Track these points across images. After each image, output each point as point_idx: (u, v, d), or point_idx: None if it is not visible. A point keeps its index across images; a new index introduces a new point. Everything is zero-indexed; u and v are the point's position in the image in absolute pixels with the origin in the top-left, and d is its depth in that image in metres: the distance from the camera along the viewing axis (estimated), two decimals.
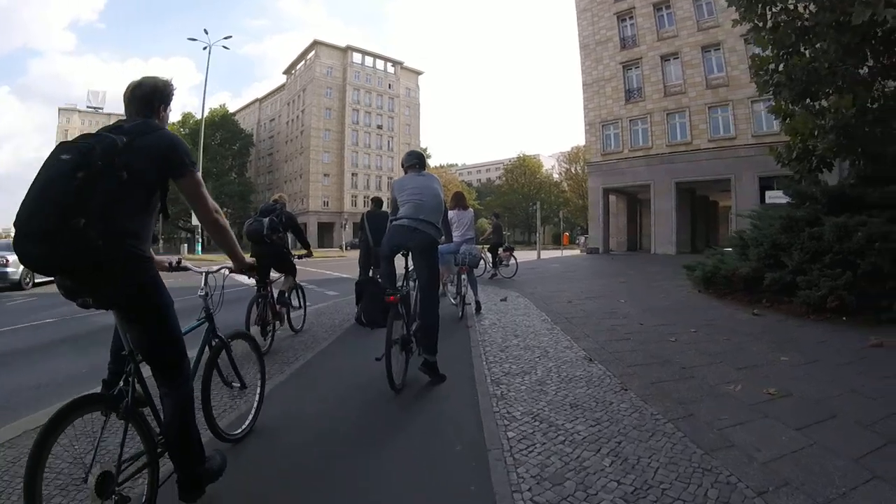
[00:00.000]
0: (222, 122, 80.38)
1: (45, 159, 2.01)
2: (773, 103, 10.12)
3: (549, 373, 4.81)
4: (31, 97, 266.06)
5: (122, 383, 2.23)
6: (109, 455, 2.35)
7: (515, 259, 16.29)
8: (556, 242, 57.45)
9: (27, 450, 1.88)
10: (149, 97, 2.51)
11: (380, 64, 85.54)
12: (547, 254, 33.67)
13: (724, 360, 5.16)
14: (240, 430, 3.39)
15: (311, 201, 75.95)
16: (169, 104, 2.62)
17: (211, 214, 2.48)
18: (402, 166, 5.19)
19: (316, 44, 79.39)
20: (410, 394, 4.40)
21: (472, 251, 8.51)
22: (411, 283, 4.92)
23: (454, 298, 8.86)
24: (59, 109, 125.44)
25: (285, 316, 6.79)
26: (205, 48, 39.56)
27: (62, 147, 2.05)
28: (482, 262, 14.61)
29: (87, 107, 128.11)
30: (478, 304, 8.69)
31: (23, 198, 1.93)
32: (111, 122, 2.43)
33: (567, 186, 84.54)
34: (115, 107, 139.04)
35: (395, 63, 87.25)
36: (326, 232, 75.26)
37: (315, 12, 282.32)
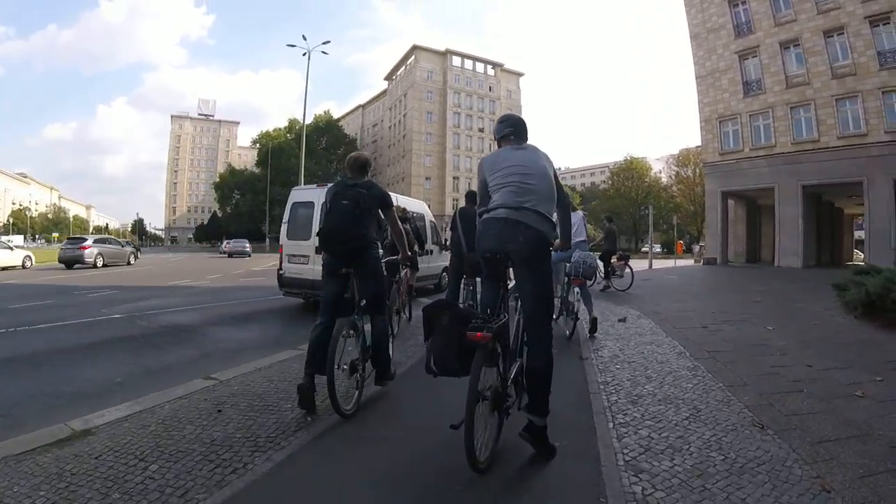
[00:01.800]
0: (327, 128, 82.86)
1: (331, 201, 4.24)
2: None
3: (708, 449, 3.34)
4: (146, 107, 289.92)
5: (354, 316, 4.12)
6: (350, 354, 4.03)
7: (631, 269, 14.54)
8: (668, 251, 54.15)
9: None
10: (364, 165, 4.50)
11: (479, 67, 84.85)
12: (659, 263, 31.28)
13: None
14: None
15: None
16: (371, 166, 4.68)
17: (398, 227, 4.71)
18: (495, 138, 3.77)
19: (415, 48, 79.87)
20: (499, 479, 2.92)
21: (586, 259, 6.99)
22: (512, 305, 3.44)
23: (559, 316, 7.31)
24: (172, 117, 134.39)
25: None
26: (304, 54, 40.34)
27: (342, 193, 4.22)
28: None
29: (199, 114, 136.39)
30: (594, 321, 7.20)
31: (325, 220, 4.25)
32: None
33: (677, 191, 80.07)
34: (225, 114, 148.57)
35: (494, 65, 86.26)
36: None
37: (414, 22, 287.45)
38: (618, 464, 3.09)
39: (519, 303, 3.39)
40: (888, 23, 23.90)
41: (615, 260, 14.03)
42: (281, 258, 10.34)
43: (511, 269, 3.29)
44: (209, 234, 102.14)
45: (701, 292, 14.10)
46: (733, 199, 32.23)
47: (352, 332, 4.02)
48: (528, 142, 3.61)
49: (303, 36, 42.59)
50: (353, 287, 4.21)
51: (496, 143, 3.73)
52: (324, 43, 40.83)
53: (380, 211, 4.36)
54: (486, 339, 2.80)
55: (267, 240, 67.67)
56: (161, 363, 5.96)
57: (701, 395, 4.48)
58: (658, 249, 61.52)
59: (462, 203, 7.92)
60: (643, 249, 54.09)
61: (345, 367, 3.89)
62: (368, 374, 4.31)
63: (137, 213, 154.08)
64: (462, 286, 7.67)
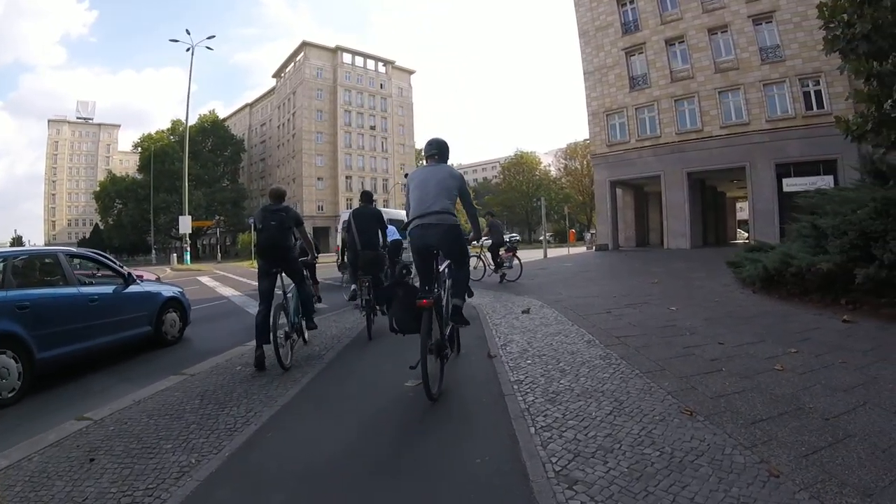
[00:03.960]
0: (213, 129, 78.46)
1: (261, 221, 5.81)
2: (846, 63, 8.36)
3: (640, 445, 3.06)
4: (23, 114, 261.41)
5: (283, 301, 5.96)
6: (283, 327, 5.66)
7: (519, 260, 14.57)
8: (561, 240, 55.51)
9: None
10: (282, 195, 6.18)
11: (370, 64, 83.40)
12: (554, 252, 31.81)
13: (869, 398, 3.68)
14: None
15: (306, 206, 73.77)
16: (286, 195, 6.61)
17: (307, 238, 6.80)
18: (424, 156, 5.06)
19: (305, 45, 77.40)
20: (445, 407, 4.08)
21: None
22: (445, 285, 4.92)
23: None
24: (49, 121, 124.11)
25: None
26: (188, 49, 38.43)
27: (270, 216, 5.81)
28: (482, 265, 14.74)
29: (77, 117, 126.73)
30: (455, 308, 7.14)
31: (259, 236, 5.86)
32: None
33: (566, 182, 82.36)
34: (106, 117, 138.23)
35: (385, 62, 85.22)
36: (322, 236, 73.03)
37: (303, 19, 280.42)
38: (548, 476, 2.74)
39: (447, 282, 4.90)
40: (770, 21, 25.97)
41: (503, 252, 13.99)
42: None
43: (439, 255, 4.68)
44: (91, 248, 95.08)
45: (599, 277, 14.24)
46: (621, 187, 33.68)
47: (282, 311, 5.75)
48: (446, 158, 4.93)
49: (186, 30, 40.66)
50: (282, 282, 6.09)
51: (425, 159, 4.95)
52: (208, 38, 38.53)
53: (294, 227, 6.08)
54: (430, 304, 4.14)
55: (153, 252, 62.37)
56: (33, 402, 5.08)
57: (620, 385, 4.24)
58: (552, 239, 62.94)
59: (356, 203, 8.18)
60: (540, 240, 55.38)
61: (281, 335, 5.56)
62: (297, 339, 6.38)
63: (15, 230, 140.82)
64: (356, 284, 7.87)
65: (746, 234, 46.34)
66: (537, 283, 12.86)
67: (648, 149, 29.94)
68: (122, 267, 7.48)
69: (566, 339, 6.06)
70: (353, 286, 8.19)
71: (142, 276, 9.67)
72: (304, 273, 6.72)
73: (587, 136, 40.02)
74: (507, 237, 17.71)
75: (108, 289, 6.79)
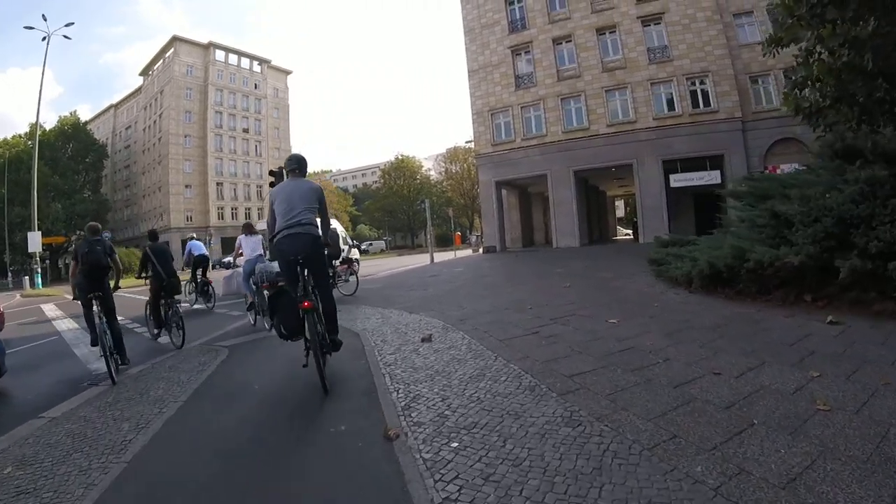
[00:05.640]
0: (74, 133, 69.37)
1: (86, 253, 6.44)
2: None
3: None
4: None
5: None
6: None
7: (356, 273, 13.70)
8: (445, 243, 54.05)
9: None
10: (98, 230, 6.76)
11: (245, 62, 78.42)
12: (440, 256, 29.94)
13: None
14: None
15: (173, 216, 67.42)
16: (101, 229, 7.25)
17: (119, 265, 7.14)
18: (285, 170, 5.59)
19: (175, 40, 71.28)
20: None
21: (266, 267, 8.73)
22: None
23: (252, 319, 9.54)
24: None
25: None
26: (43, 38, 33.79)
27: (94, 243, 6.52)
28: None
29: None
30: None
31: (85, 261, 6.49)
32: None
33: (448, 186, 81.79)
34: None
35: (261, 61, 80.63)
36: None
37: (178, 19, 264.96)
38: None
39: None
40: (659, 23, 26.48)
41: (338, 264, 12.52)
42: None
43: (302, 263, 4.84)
44: None
45: (500, 283, 12.54)
46: (507, 188, 32.95)
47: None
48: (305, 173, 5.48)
49: (42, 16, 34.85)
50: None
51: (285, 173, 5.52)
52: (66, 25, 33.84)
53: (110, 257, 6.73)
54: (311, 305, 4.59)
55: (9, 275, 53.56)
56: None
57: (620, 480, 2.34)
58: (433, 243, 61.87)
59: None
60: (423, 245, 53.75)
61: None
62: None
63: None
64: (161, 306, 8.64)
65: (628, 232, 47.77)
66: (432, 295, 10.98)
67: (534, 148, 29.39)
68: None
69: (497, 387, 4.05)
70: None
71: None
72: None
73: (469, 139, 39.27)
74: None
75: None
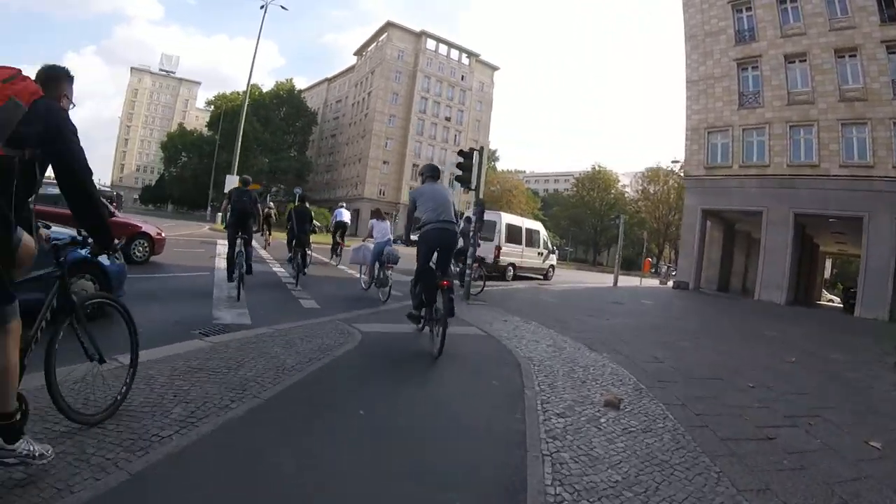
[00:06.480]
0: (288, 98, 77.00)
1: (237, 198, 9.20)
2: None
3: None
4: (114, 61, 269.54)
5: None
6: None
7: (483, 275, 12.74)
8: (629, 267, 50.83)
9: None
10: (247, 182, 9.93)
11: (454, 54, 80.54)
12: (623, 280, 27.49)
13: None
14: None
15: (367, 188, 71.54)
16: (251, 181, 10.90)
17: (260, 215, 12.67)
18: (423, 176, 6.74)
19: (389, 25, 75.22)
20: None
21: (392, 252, 10.34)
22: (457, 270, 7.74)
23: (365, 285, 11.08)
24: (132, 69, 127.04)
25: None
26: (262, 7, 36.39)
27: (243, 193, 9.23)
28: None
29: (160, 69, 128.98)
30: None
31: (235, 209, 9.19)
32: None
33: (643, 206, 77.40)
34: (188, 74, 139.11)
35: (470, 55, 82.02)
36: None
37: (396, 8, 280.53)
38: None
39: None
40: None
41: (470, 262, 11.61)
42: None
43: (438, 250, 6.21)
44: (154, 196, 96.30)
45: (699, 332, 10.57)
46: (712, 219, 29.18)
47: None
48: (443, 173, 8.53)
49: None
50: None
51: (422, 179, 6.70)
52: None
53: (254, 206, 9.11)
54: (448, 283, 5.87)
55: (209, 208, 59.76)
56: None
57: None
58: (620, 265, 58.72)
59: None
60: (599, 262, 50.37)
61: (235, 275, 8.33)
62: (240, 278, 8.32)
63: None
64: (295, 252, 11.40)
65: (832, 298, 41.42)
66: (616, 328, 9.36)
67: (752, 178, 25.73)
68: None
69: None
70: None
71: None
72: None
73: (676, 159, 35.83)
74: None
75: None
